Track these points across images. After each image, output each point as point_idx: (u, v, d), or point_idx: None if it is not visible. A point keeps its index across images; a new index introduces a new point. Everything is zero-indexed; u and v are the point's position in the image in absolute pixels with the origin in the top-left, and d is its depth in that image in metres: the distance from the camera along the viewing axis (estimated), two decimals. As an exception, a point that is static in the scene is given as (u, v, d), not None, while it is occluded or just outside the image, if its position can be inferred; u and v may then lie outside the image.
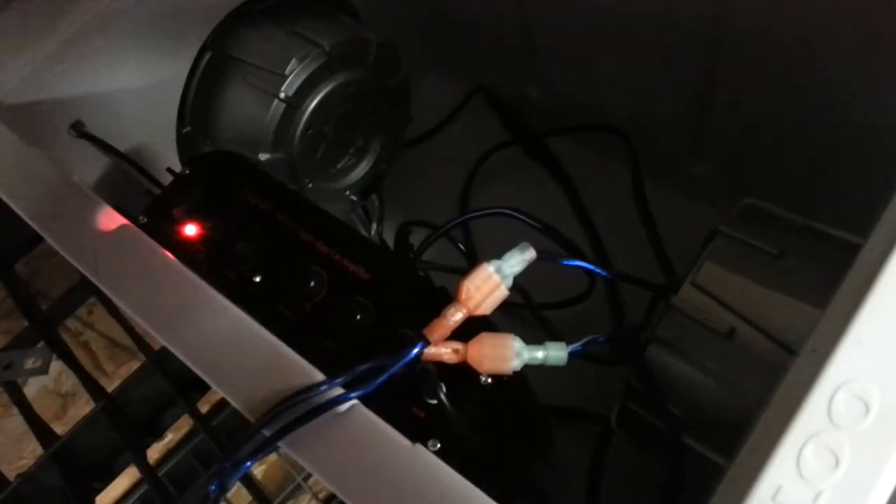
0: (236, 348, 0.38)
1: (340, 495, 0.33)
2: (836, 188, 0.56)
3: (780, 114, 0.60)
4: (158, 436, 0.81)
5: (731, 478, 0.28)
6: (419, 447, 0.34)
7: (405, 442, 0.34)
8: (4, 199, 0.47)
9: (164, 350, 0.78)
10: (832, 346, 0.29)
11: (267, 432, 0.35)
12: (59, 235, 0.45)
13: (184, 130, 0.65)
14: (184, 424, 0.84)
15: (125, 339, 0.93)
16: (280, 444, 0.35)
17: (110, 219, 0.44)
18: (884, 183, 0.35)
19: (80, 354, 0.95)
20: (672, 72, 0.64)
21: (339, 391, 0.36)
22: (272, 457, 0.87)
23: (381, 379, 0.36)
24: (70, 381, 0.98)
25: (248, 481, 0.72)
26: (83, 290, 0.87)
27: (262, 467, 0.80)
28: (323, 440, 0.35)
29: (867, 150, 0.54)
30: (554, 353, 0.39)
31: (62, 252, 0.44)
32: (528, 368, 0.42)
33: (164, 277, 0.41)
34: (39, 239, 0.96)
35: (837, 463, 0.26)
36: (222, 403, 0.85)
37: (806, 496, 0.26)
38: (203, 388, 0.82)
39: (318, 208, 0.50)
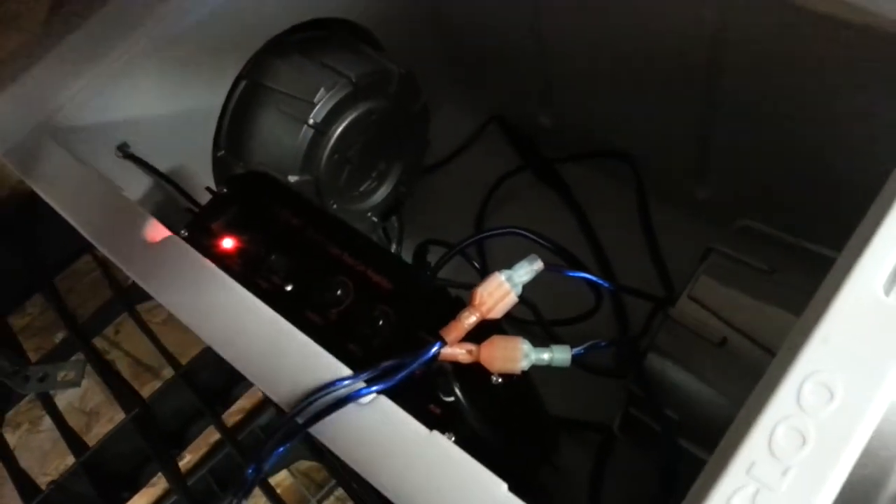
0: (273, 347, 0.42)
1: (364, 475, 0.37)
2: (826, 211, 0.59)
3: (775, 143, 0.62)
4: (184, 448, 0.84)
5: (713, 458, 0.32)
6: (436, 433, 0.37)
7: (423, 429, 0.38)
8: (62, 213, 0.52)
9: (190, 364, 0.81)
10: (801, 344, 0.32)
11: (299, 420, 0.39)
12: (111, 246, 0.49)
13: (218, 154, 0.69)
14: (202, 445, 0.87)
15: (149, 360, 0.96)
16: (310, 430, 0.39)
17: (157, 231, 0.49)
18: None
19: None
20: (675, 104, 0.67)
21: (362, 385, 0.39)
22: (288, 479, 0.90)
23: (401, 374, 0.40)
24: (95, 398, 0.98)
25: (271, 493, 0.75)
26: (112, 309, 0.90)
27: (279, 490, 0.83)
28: (348, 427, 0.38)
29: (856, 178, 0.56)
30: (559, 355, 0.43)
31: (115, 261, 0.48)
32: (536, 382, 0.46)
33: (207, 284, 0.46)
34: (76, 256, 1.00)
35: (804, 442, 0.30)
36: (245, 420, 0.88)
37: (776, 471, 0.30)
38: (228, 401, 0.86)
39: (345, 224, 0.54)
